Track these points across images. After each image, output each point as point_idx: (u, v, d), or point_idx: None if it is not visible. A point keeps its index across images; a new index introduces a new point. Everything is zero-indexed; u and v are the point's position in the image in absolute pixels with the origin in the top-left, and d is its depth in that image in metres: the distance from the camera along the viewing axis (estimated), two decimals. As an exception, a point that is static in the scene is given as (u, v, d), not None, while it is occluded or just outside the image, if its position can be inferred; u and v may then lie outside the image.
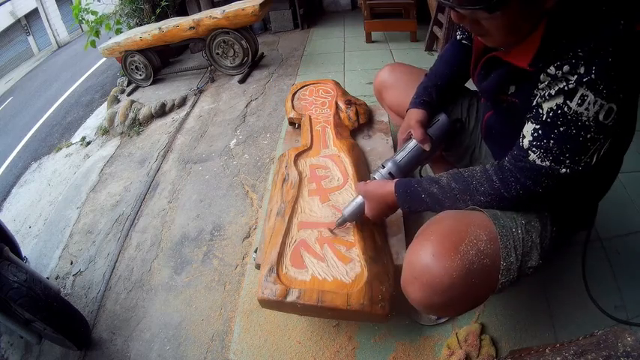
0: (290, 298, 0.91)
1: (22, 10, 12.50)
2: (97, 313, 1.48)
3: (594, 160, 0.64)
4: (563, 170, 0.64)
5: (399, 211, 0.94)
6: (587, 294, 1.09)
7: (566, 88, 0.60)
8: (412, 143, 0.98)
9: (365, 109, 1.59)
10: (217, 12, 2.78)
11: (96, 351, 1.35)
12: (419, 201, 0.80)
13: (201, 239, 1.63)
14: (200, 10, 3.51)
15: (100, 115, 3.64)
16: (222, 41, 2.93)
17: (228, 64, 3.06)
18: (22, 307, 1.17)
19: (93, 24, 3.42)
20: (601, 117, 0.59)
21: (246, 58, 3.01)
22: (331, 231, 1.05)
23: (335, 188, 1.21)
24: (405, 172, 0.97)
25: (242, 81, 2.96)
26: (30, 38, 12.93)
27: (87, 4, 3.46)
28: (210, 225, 1.69)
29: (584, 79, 0.57)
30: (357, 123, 1.53)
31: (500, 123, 0.86)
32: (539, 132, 0.65)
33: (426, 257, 0.68)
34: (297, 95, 1.75)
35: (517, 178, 0.69)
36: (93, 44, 3.41)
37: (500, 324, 1.07)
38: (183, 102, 2.92)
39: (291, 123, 1.63)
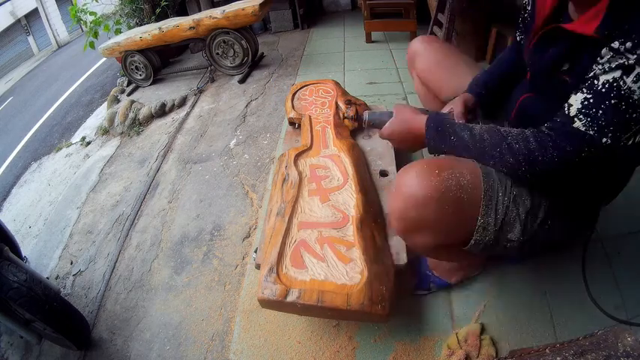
0: (290, 298, 0.91)
1: (22, 10, 12.51)
2: (97, 313, 1.48)
3: (631, 141, 0.64)
4: (604, 140, 0.64)
5: None
6: (587, 294, 1.09)
7: (625, 63, 0.61)
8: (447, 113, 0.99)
9: (365, 109, 1.59)
10: (217, 12, 2.78)
11: (96, 351, 1.35)
12: (446, 141, 0.80)
13: (201, 239, 1.63)
14: (200, 10, 3.51)
15: (100, 115, 3.64)
16: (222, 41, 2.93)
17: (228, 64, 3.06)
18: (22, 307, 1.17)
19: (91, 25, 3.42)
20: None
21: (246, 58, 3.01)
22: (351, 119, 1.10)
23: (335, 188, 1.21)
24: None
25: (242, 81, 2.96)
26: (30, 38, 12.93)
27: (84, 5, 3.46)
28: (210, 225, 1.69)
29: None
30: (357, 123, 1.53)
31: (539, 103, 0.85)
32: (590, 101, 0.65)
33: (410, 174, 0.76)
34: (297, 95, 1.75)
35: (556, 142, 0.68)
36: (92, 45, 3.41)
37: (500, 324, 1.07)
38: (183, 102, 2.92)
39: (291, 123, 1.63)
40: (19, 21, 12.59)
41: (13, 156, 4.23)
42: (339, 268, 0.97)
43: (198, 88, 3.04)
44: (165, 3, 3.50)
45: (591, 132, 0.65)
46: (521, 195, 0.76)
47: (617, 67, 0.62)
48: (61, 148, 3.34)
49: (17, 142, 4.59)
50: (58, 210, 2.29)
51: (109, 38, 3.35)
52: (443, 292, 1.16)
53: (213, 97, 2.87)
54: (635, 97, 0.61)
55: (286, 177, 1.27)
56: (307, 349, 1.09)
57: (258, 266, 1.09)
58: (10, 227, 1.64)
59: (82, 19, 3.48)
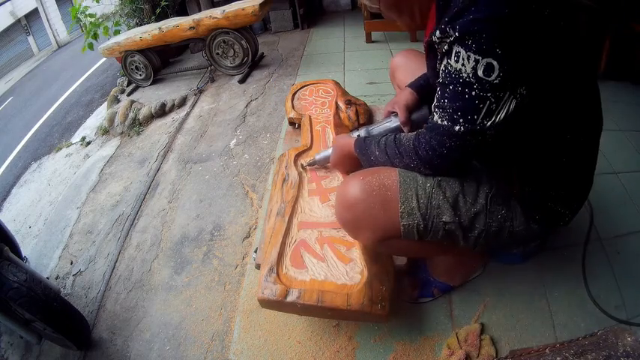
0: (290, 298, 0.91)
1: (22, 10, 12.50)
2: (97, 313, 1.48)
3: (491, 122, 0.65)
4: (457, 127, 0.67)
5: None
6: (587, 294, 1.09)
7: (445, 49, 0.65)
8: (391, 122, 1.08)
9: (365, 109, 1.59)
10: (217, 12, 2.78)
11: (96, 351, 1.35)
12: (368, 157, 0.92)
13: (201, 239, 1.63)
14: (200, 10, 3.51)
15: (100, 115, 3.64)
16: (222, 41, 2.93)
17: (228, 64, 3.06)
18: (22, 307, 1.17)
19: (90, 27, 3.42)
20: (480, 72, 0.61)
21: (246, 58, 3.01)
22: (303, 167, 1.22)
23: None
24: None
25: (242, 81, 2.96)
26: (30, 38, 12.93)
27: (84, 8, 3.46)
28: (210, 225, 1.69)
29: (452, 38, 0.62)
30: (357, 123, 1.53)
31: None
32: (438, 92, 0.70)
33: (344, 184, 0.89)
34: (297, 95, 1.75)
35: (426, 139, 0.74)
36: (90, 47, 3.41)
37: (500, 324, 1.07)
38: (183, 102, 2.92)
39: (291, 123, 1.63)
40: (19, 21, 12.59)
41: (13, 156, 4.23)
42: (339, 268, 0.97)
43: (198, 88, 3.04)
44: (165, 3, 3.51)
45: (445, 122, 0.69)
46: (448, 181, 0.80)
47: (442, 56, 0.67)
48: (61, 148, 3.34)
49: (17, 142, 4.59)
50: (58, 210, 2.29)
51: (108, 39, 3.35)
52: (443, 292, 1.17)
53: (213, 97, 2.87)
54: (465, 76, 0.63)
55: (286, 177, 1.27)
56: (307, 349, 1.09)
57: (258, 266, 1.10)
58: (10, 227, 1.64)
59: (81, 21, 3.48)
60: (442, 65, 0.68)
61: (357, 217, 0.85)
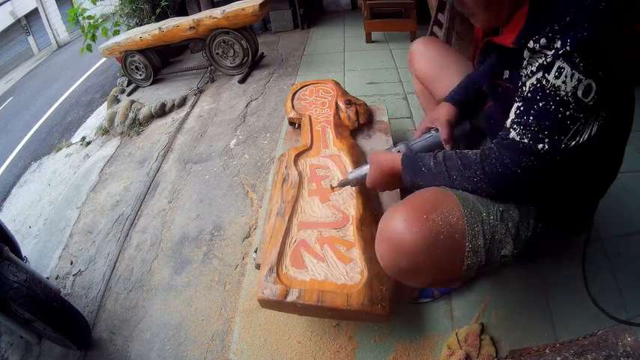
0: (290, 298, 0.91)
1: (22, 10, 12.50)
2: (97, 313, 1.48)
3: (575, 142, 0.62)
4: (540, 146, 0.63)
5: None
6: (587, 294, 1.09)
7: (544, 62, 0.60)
8: (432, 137, 1.01)
9: (365, 109, 1.59)
10: (217, 12, 2.78)
11: (96, 351, 1.35)
12: (419, 173, 0.82)
13: (201, 239, 1.63)
14: (200, 10, 3.51)
15: (100, 115, 3.64)
16: (222, 41, 2.93)
17: (228, 64, 3.06)
18: (22, 307, 1.17)
19: (89, 29, 3.42)
20: (579, 93, 0.59)
21: (246, 58, 3.01)
22: (332, 187, 1.15)
23: (335, 189, 1.21)
24: None
25: (242, 81, 2.96)
26: (30, 38, 12.93)
27: (82, 9, 3.45)
28: (210, 225, 1.69)
29: (560, 52, 0.58)
30: (357, 123, 1.53)
31: (497, 111, 0.87)
32: (521, 109, 0.65)
33: (397, 220, 0.74)
34: (297, 95, 1.74)
35: (497, 156, 0.69)
36: (89, 48, 3.41)
37: (500, 324, 1.07)
38: (183, 102, 2.92)
39: (291, 123, 1.63)
40: (19, 21, 12.58)
41: (13, 156, 4.23)
42: (339, 268, 0.97)
43: (198, 88, 3.04)
44: (165, 3, 3.50)
45: (525, 140, 0.64)
46: (509, 209, 0.75)
47: (538, 69, 0.62)
48: (61, 148, 3.34)
49: (17, 142, 4.59)
50: (58, 210, 2.29)
51: (107, 40, 3.35)
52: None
53: (213, 97, 2.87)
54: (562, 94, 0.60)
55: (286, 177, 1.27)
56: (307, 349, 1.09)
57: (258, 266, 1.10)
58: (10, 227, 1.64)
59: (80, 22, 3.48)
60: (533, 79, 0.62)
61: (416, 265, 0.73)
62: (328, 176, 1.26)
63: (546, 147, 0.63)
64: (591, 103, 0.59)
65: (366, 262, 0.96)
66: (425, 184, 0.81)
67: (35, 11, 12.65)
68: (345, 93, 1.70)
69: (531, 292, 1.13)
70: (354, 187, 1.17)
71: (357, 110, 1.55)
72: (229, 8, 2.77)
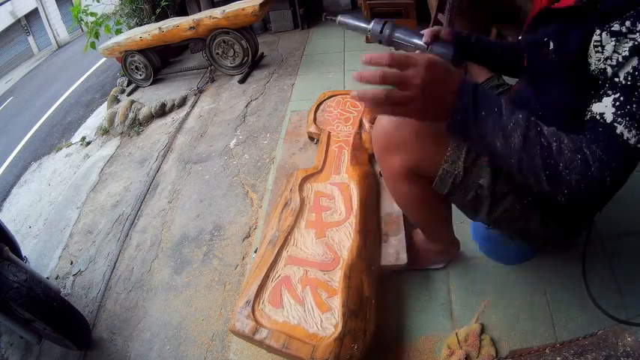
0: (258, 336, 0.90)
1: (22, 10, 12.50)
2: (97, 313, 1.48)
3: None
4: None
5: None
6: (587, 294, 1.09)
7: (636, 43, 0.54)
8: (416, 38, 0.95)
9: None
10: (217, 12, 2.78)
11: (96, 351, 1.35)
12: (477, 115, 0.58)
13: (201, 239, 1.63)
14: (200, 10, 3.50)
15: (100, 115, 3.64)
16: (222, 41, 2.93)
17: (228, 64, 3.06)
18: (22, 307, 1.17)
19: (92, 25, 3.41)
20: None
21: (246, 58, 3.01)
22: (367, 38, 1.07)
23: (334, 223, 1.17)
24: (389, 40, 1.04)
25: (242, 81, 2.96)
26: (30, 38, 12.93)
27: (85, 6, 3.46)
28: (210, 225, 1.69)
29: None
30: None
31: (527, 86, 0.84)
32: (621, 99, 0.57)
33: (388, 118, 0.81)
34: (322, 106, 1.66)
35: (603, 159, 0.56)
36: (93, 46, 3.41)
37: (500, 324, 1.07)
38: (183, 102, 2.92)
39: (310, 137, 1.58)
40: (19, 21, 12.58)
41: (13, 156, 4.23)
42: (315, 316, 0.94)
43: (198, 88, 3.04)
44: (165, 3, 3.50)
45: (633, 132, 0.55)
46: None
47: (631, 54, 0.55)
48: (61, 148, 3.34)
49: (17, 142, 4.59)
50: (58, 210, 2.29)
51: (110, 38, 3.35)
52: (443, 292, 1.16)
53: (213, 97, 2.87)
54: None
55: (288, 202, 1.23)
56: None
57: (257, 266, 1.09)
58: (10, 227, 1.64)
59: (83, 20, 3.48)
60: (629, 66, 0.55)
61: (403, 136, 0.80)
62: (331, 208, 1.21)
63: None
64: None
65: (344, 315, 0.92)
66: (471, 132, 0.60)
67: (35, 11, 12.65)
68: None
69: (531, 292, 1.13)
70: (354, 225, 1.12)
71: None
72: (229, 8, 2.76)
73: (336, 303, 0.95)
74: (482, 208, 0.81)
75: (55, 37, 12.91)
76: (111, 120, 2.98)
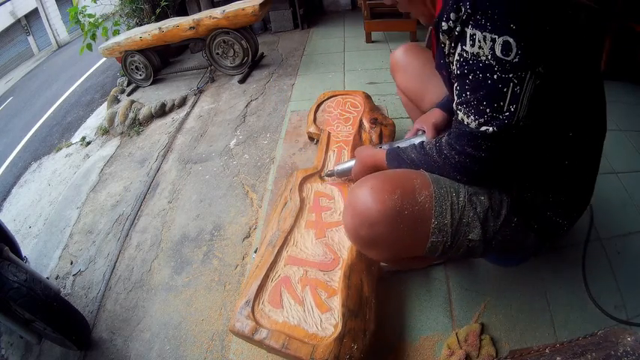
0: (257, 337, 0.90)
1: (22, 10, 12.50)
2: (97, 313, 1.48)
3: (518, 107, 0.60)
4: (487, 129, 0.63)
5: None
6: (587, 294, 1.09)
7: (456, 34, 0.61)
8: (417, 139, 1.01)
9: (391, 130, 1.49)
10: (217, 12, 2.78)
11: (96, 351, 1.35)
12: (403, 164, 0.84)
13: (201, 239, 1.63)
14: (200, 10, 3.51)
15: (100, 115, 3.64)
16: (222, 41, 2.93)
17: (228, 64, 3.06)
18: (22, 307, 1.17)
19: (89, 28, 3.41)
20: (498, 51, 0.58)
21: (246, 58, 3.01)
22: (320, 176, 1.16)
23: (334, 224, 1.17)
24: None
25: (242, 81, 2.96)
26: (30, 38, 12.92)
27: (83, 7, 3.45)
28: (210, 225, 1.69)
29: (464, 18, 0.59)
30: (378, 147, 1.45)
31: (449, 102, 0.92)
32: (457, 88, 0.66)
33: (364, 189, 0.75)
34: (322, 106, 1.65)
35: (454, 145, 0.69)
36: (89, 47, 3.40)
37: (500, 324, 1.07)
38: (183, 102, 2.92)
39: (310, 138, 1.57)
40: (19, 21, 12.58)
41: (13, 156, 4.23)
42: (314, 316, 0.93)
43: (198, 88, 3.04)
44: (165, 3, 3.50)
45: (472, 117, 0.63)
46: (477, 194, 0.75)
47: (455, 44, 0.62)
48: (61, 148, 3.33)
49: (17, 142, 4.59)
50: (58, 210, 2.29)
51: (107, 40, 3.35)
52: (443, 292, 1.17)
53: (213, 97, 2.87)
54: (483, 59, 0.59)
55: (288, 202, 1.23)
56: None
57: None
58: (10, 227, 1.64)
59: (80, 21, 3.47)
60: (456, 55, 0.62)
61: (378, 236, 0.75)
62: (331, 208, 1.21)
63: (492, 129, 0.62)
64: (516, 60, 0.57)
65: (344, 315, 0.92)
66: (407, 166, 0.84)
67: (35, 11, 12.64)
68: (374, 109, 1.60)
69: (531, 292, 1.13)
70: None
71: (381, 132, 1.46)
72: (229, 8, 2.76)
73: (336, 303, 0.95)
74: (475, 253, 0.81)
75: (55, 37, 12.91)
76: (111, 120, 2.98)
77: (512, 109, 0.60)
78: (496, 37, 0.57)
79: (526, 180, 0.77)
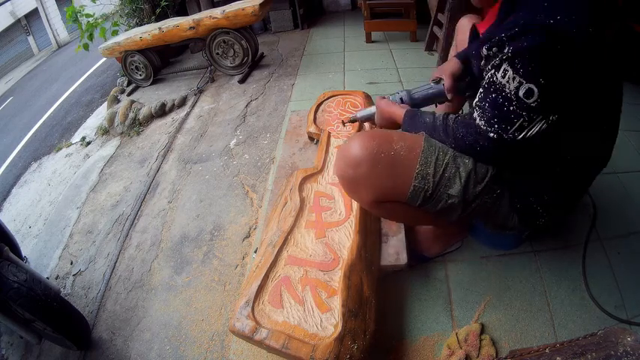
0: (257, 337, 0.90)
1: (22, 10, 12.49)
2: (97, 313, 1.48)
3: (522, 136, 0.71)
4: (492, 134, 0.73)
5: None
6: (587, 294, 1.09)
7: (495, 63, 0.70)
8: (434, 88, 1.08)
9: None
10: (217, 12, 2.78)
11: (96, 351, 1.35)
12: (418, 127, 0.92)
13: (201, 239, 1.63)
14: (200, 10, 3.51)
15: (100, 115, 3.64)
16: (222, 41, 2.93)
17: (228, 64, 3.06)
18: (22, 307, 1.17)
19: (87, 27, 3.40)
20: (521, 93, 0.67)
21: (246, 58, 3.01)
22: (343, 123, 1.21)
23: (334, 224, 1.17)
24: (414, 104, 1.08)
25: (242, 81, 2.96)
26: (30, 38, 12.92)
27: (81, 6, 3.44)
28: (210, 225, 1.69)
29: (504, 57, 0.68)
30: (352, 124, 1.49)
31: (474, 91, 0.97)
32: (481, 93, 0.76)
33: (353, 140, 0.88)
34: (322, 107, 1.66)
35: (463, 132, 0.79)
36: (86, 47, 3.39)
37: (501, 324, 1.07)
38: (183, 102, 2.92)
39: (310, 138, 1.58)
40: (19, 21, 12.58)
41: (13, 156, 4.23)
42: (315, 316, 0.94)
43: (198, 88, 3.04)
44: (165, 3, 3.50)
45: (482, 122, 0.75)
46: (463, 157, 0.84)
47: (492, 67, 0.72)
48: (61, 148, 3.33)
49: (17, 142, 4.59)
50: (58, 210, 2.29)
51: (105, 40, 3.34)
52: (443, 292, 1.17)
53: (213, 97, 2.87)
54: (507, 91, 0.69)
55: (288, 202, 1.23)
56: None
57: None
58: (10, 227, 1.64)
59: (78, 21, 3.46)
60: (489, 72, 0.72)
61: (360, 175, 0.86)
62: (331, 208, 1.21)
63: (495, 135, 0.73)
64: (534, 104, 0.67)
65: (343, 315, 0.92)
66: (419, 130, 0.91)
67: (35, 11, 12.63)
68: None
69: (531, 292, 1.13)
70: (354, 226, 1.15)
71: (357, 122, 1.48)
72: (229, 8, 2.76)
73: (336, 303, 0.96)
74: (453, 213, 0.88)
75: (55, 37, 12.90)
76: (111, 120, 2.97)
77: (517, 135, 0.71)
78: (524, 81, 0.66)
79: (519, 168, 0.85)
